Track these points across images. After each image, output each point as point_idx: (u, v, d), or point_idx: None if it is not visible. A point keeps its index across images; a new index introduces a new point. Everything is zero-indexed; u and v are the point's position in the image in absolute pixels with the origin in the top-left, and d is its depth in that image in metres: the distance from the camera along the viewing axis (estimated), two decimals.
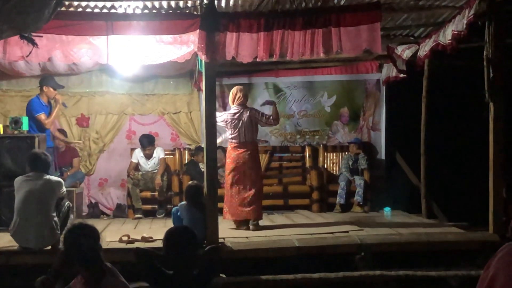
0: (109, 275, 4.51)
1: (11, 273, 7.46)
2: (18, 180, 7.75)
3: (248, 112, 8.99)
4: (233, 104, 9.13)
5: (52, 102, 10.11)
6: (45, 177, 7.73)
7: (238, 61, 8.07)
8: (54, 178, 7.97)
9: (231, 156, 9.04)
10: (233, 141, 9.04)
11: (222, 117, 9.05)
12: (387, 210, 11.01)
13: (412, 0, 8.35)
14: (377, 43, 7.78)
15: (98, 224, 9.93)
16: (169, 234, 5.00)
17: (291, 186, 11.49)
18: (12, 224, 7.67)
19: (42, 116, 9.82)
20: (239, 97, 9.06)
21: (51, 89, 10.00)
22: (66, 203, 8.03)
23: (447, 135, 11.82)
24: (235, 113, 8.99)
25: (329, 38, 7.76)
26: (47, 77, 10.27)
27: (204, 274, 5.07)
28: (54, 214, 7.69)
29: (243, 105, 9.07)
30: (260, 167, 9.48)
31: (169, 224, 8.31)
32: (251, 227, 8.93)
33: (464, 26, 7.93)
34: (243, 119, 8.93)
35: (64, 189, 7.97)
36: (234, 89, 9.22)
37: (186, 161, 11.73)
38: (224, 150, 11.43)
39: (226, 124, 9.06)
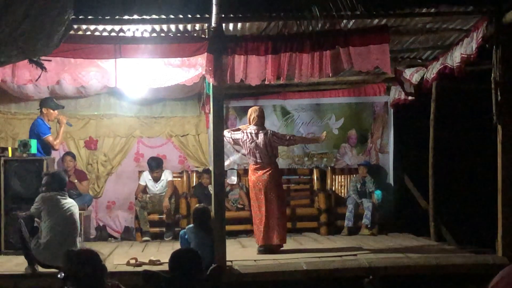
0: None
1: None
2: (48, 198, 7.81)
3: (264, 134, 8.97)
4: (249, 124, 9.16)
5: (52, 123, 10.24)
6: (69, 198, 7.97)
7: (246, 84, 8.11)
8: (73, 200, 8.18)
9: (251, 179, 9.04)
10: (250, 161, 9.06)
11: (237, 134, 9.07)
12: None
13: (420, 23, 8.37)
14: (387, 64, 7.83)
15: (106, 247, 9.97)
16: (174, 256, 5.01)
17: (299, 208, 11.44)
18: (41, 240, 7.64)
19: (50, 138, 9.88)
20: (253, 118, 9.07)
21: (51, 110, 10.07)
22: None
23: (455, 157, 11.80)
24: (250, 133, 8.98)
25: (338, 59, 7.81)
26: (46, 99, 10.34)
27: None
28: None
29: (258, 126, 9.06)
30: (281, 189, 9.28)
31: (177, 247, 8.28)
32: (257, 251, 8.92)
33: (474, 50, 7.95)
34: (257, 140, 8.93)
35: None
36: (250, 110, 9.26)
37: (194, 184, 11.73)
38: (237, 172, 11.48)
39: (242, 143, 9.06)
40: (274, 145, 9.03)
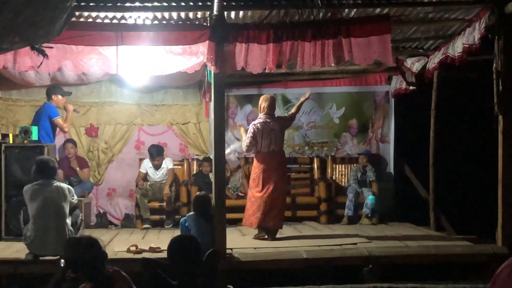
0: (119, 283, 4.51)
1: (18, 282, 7.47)
2: (28, 190, 7.72)
3: (277, 121, 9.11)
4: (260, 113, 9.20)
5: (61, 109, 10.29)
6: (55, 183, 7.75)
7: (247, 72, 8.12)
8: (63, 184, 7.98)
9: (260, 166, 9.05)
10: (262, 149, 9.04)
11: (251, 131, 9.05)
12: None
13: (422, 12, 8.36)
14: (388, 55, 7.81)
15: (106, 234, 10.00)
16: (173, 243, 5.02)
17: (299, 197, 11.45)
18: (28, 233, 7.63)
19: (60, 120, 9.97)
20: (263, 107, 9.13)
21: (60, 97, 10.17)
22: (80, 217, 8.09)
23: (456, 147, 11.81)
24: (265, 122, 9.03)
25: (340, 48, 7.80)
26: (54, 86, 10.42)
27: (208, 283, 5.07)
28: (69, 221, 7.74)
29: (269, 114, 9.12)
30: (286, 176, 9.64)
31: (177, 234, 8.32)
32: (268, 237, 9.02)
33: (476, 40, 7.96)
34: (272, 127, 9.01)
35: (75, 196, 8.00)
36: (260, 99, 9.31)
37: (195, 172, 11.74)
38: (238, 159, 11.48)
39: (254, 135, 9.01)
40: (285, 129, 9.31)
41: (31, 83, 11.11)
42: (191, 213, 8.30)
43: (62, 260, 4.67)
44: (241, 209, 9.78)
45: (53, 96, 10.19)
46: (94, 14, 7.85)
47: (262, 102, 9.17)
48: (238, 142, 11.94)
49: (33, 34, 4.86)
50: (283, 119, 9.33)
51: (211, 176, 9.66)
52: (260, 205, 9.01)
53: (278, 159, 9.13)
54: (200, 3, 7.77)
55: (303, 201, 11.44)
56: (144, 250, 8.05)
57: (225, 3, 7.66)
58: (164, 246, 7.49)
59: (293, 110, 9.47)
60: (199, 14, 8.15)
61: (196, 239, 5.13)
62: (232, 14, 8.18)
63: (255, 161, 9.22)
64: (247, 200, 9.32)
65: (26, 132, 9.34)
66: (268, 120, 9.03)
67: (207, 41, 7.71)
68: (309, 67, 8.06)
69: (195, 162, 11.93)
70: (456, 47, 8.57)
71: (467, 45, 8.20)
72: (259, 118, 9.13)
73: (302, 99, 9.52)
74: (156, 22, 8.13)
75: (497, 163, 8.18)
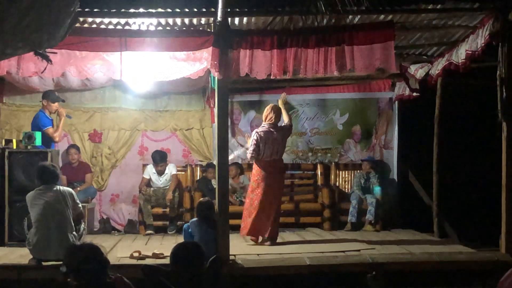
0: None
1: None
2: (30, 196, 7.77)
3: (280, 131, 9.16)
4: (265, 122, 9.22)
5: (54, 116, 10.23)
6: (55, 188, 7.78)
7: (251, 78, 8.13)
8: (64, 187, 8.01)
9: (260, 174, 9.10)
10: (263, 157, 9.08)
11: (254, 139, 9.08)
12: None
13: (426, 19, 8.36)
14: (391, 62, 7.80)
15: (109, 240, 9.99)
16: (176, 250, 5.00)
17: (302, 204, 11.43)
18: (30, 238, 7.68)
19: (50, 129, 9.89)
20: (271, 117, 9.19)
21: (50, 103, 10.08)
22: (82, 226, 8.10)
23: (459, 154, 11.78)
24: (267, 131, 9.08)
25: (342, 56, 7.80)
26: (46, 91, 10.36)
27: None
28: (73, 225, 7.78)
29: (274, 124, 9.17)
30: (283, 185, 9.69)
31: (180, 240, 8.27)
32: (269, 242, 9.10)
33: (479, 47, 7.96)
34: (275, 137, 9.05)
35: (79, 202, 8.03)
36: (268, 107, 9.35)
37: (198, 178, 11.73)
38: (239, 166, 11.45)
39: (257, 142, 9.06)
40: (286, 138, 9.37)
41: (35, 89, 11.12)
42: (194, 219, 8.31)
43: (64, 267, 4.66)
44: None
45: (43, 102, 10.12)
46: (98, 20, 7.86)
47: (270, 112, 9.19)
48: (242, 148, 11.96)
49: (37, 38, 4.87)
50: (284, 128, 9.33)
51: (214, 182, 9.65)
52: (258, 212, 9.05)
53: (278, 167, 9.22)
54: (204, 10, 7.80)
55: (307, 207, 11.41)
56: (147, 256, 8.03)
57: (229, 10, 7.67)
58: (167, 252, 7.49)
59: (287, 119, 9.41)
60: (203, 21, 8.15)
61: (200, 245, 5.11)
62: (236, 20, 8.19)
63: (255, 168, 9.24)
64: (244, 209, 9.33)
65: (29, 137, 9.35)
66: (271, 129, 9.07)
67: (211, 47, 7.72)
68: (312, 74, 8.06)
69: (198, 168, 11.93)
70: (460, 54, 8.58)
71: (470, 52, 8.21)
72: (263, 126, 9.17)
73: (281, 105, 9.50)
74: (160, 28, 8.14)
75: (501, 170, 8.17)
